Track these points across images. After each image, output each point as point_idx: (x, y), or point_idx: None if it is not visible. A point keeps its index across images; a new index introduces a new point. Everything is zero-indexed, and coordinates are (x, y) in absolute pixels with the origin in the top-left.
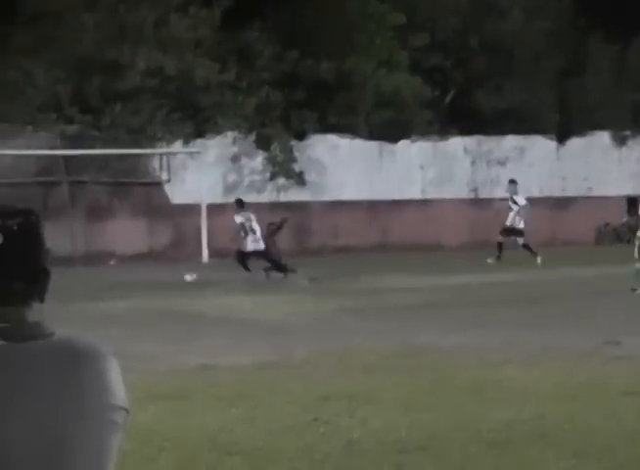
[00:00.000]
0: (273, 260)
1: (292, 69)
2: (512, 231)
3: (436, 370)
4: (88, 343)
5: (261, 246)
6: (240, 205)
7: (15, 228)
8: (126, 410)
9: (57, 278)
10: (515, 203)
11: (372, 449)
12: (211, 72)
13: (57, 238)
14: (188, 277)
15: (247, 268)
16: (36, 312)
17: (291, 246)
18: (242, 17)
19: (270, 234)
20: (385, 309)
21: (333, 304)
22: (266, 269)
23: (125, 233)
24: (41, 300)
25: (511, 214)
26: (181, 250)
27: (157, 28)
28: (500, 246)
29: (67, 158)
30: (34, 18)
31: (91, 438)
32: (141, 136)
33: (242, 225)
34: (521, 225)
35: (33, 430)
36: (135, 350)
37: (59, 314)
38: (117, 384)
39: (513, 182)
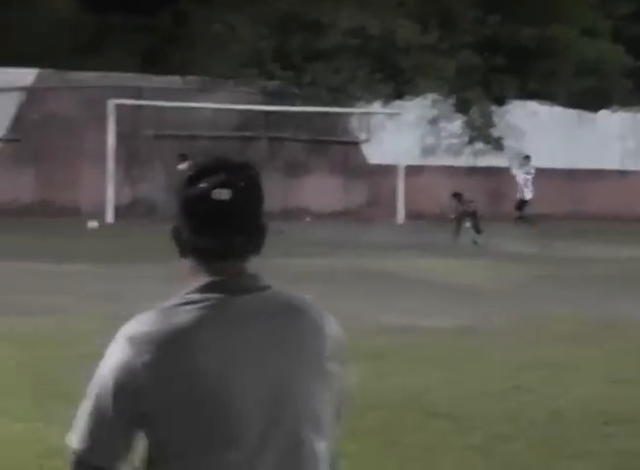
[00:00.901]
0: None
1: (493, 33)
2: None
3: (638, 342)
4: (302, 298)
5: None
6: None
7: (242, 184)
8: (340, 362)
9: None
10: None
11: (577, 419)
12: (413, 34)
13: None
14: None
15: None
16: (253, 266)
17: (486, 211)
18: None
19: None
20: (583, 279)
21: (530, 270)
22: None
23: (322, 191)
24: (258, 253)
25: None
26: (376, 210)
27: None
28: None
29: (266, 113)
30: None
31: (309, 385)
32: (341, 95)
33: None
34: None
35: (256, 377)
36: (337, 307)
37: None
38: (333, 337)
39: (527, 158)
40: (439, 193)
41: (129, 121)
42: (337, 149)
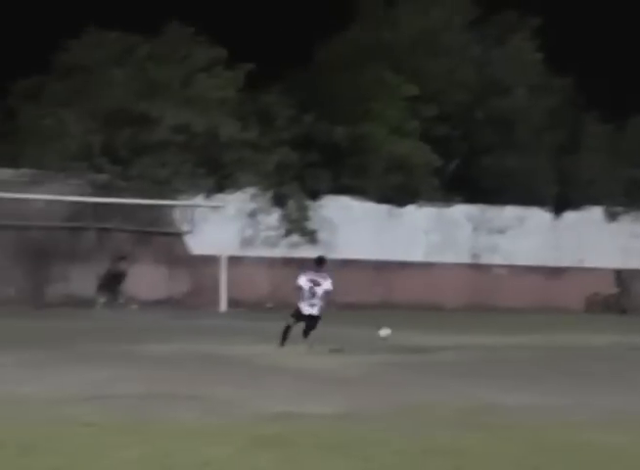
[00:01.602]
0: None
1: (308, 131)
2: None
3: (521, 429)
4: None
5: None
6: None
7: None
8: None
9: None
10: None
11: None
12: (235, 131)
13: (82, 281)
14: (382, 332)
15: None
16: None
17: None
18: (263, 80)
19: None
20: (428, 365)
21: (379, 358)
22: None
23: (147, 279)
24: None
25: None
26: (199, 298)
27: (184, 86)
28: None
29: (95, 205)
30: (68, 70)
31: None
32: (166, 188)
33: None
34: None
35: None
36: (208, 393)
37: (110, 354)
38: None
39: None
40: (258, 282)
41: None
42: (161, 240)
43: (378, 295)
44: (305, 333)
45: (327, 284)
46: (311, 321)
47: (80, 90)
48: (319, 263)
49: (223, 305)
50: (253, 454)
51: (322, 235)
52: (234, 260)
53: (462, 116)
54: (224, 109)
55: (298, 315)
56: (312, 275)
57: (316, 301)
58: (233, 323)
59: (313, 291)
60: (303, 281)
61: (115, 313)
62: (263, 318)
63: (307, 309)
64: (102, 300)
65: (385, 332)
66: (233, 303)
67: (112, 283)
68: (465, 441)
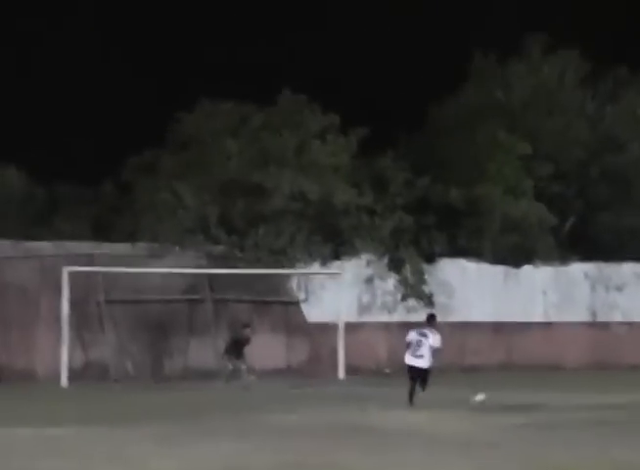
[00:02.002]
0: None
1: (423, 194)
2: None
3: None
4: None
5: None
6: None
7: None
8: None
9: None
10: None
11: None
12: (350, 197)
13: (201, 353)
14: (478, 397)
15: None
16: None
17: None
18: (376, 145)
19: None
20: (567, 424)
21: (509, 419)
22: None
23: (265, 349)
24: None
25: None
26: (317, 366)
27: (298, 154)
28: None
29: (212, 276)
30: (182, 144)
31: None
32: (281, 257)
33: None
34: None
35: None
36: (339, 462)
37: (237, 426)
38: None
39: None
40: (376, 348)
41: (82, 287)
42: (279, 308)
43: (498, 356)
44: (422, 387)
45: (436, 339)
46: (421, 374)
47: (195, 162)
48: (429, 320)
49: (341, 372)
50: None
51: (439, 298)
52: (351, 327)
53: (577, 173)
54: (338, 175)
55: (410, 372)
56: (421, 329)
57: (423, 351)
58: (353, 390)
59: (420, 343)
60: (412, 335)
61: (237, 384)
62: (383, 384)
63: (412, 360)
64: (229, 367)
65: (480, 397)
66: (351, 369)
67: (237, 350)
68: None
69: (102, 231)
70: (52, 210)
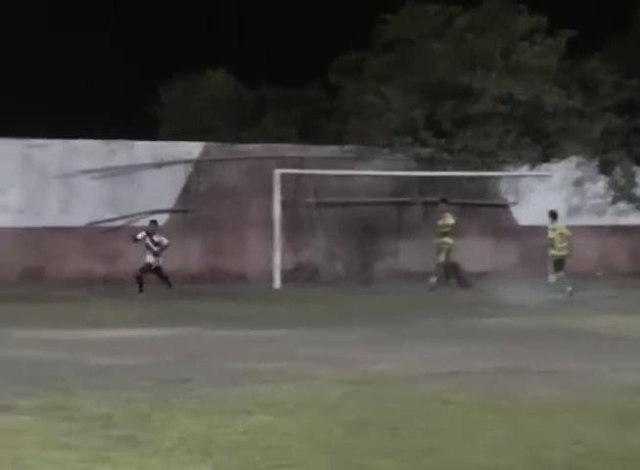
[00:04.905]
0: None
1: (632, 96)
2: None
3: None
4: None
5: None
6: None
7: None
8: None
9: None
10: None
11: None
12: (559, 99)
13: (410, 255)
14: None
15: None
16: None
17: (629, 268)
18: (584, 47)
19: None
20: None
21: None
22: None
23: (473, 252)
24: None
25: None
26: (526, 269)
27: (505, 56)
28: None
29: (420, 179)
30: (388, 45)
31: None
32: (490, 159)
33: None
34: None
35: None
36: (560, 367)
37: (449, 329)
38: None
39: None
40: (585, 252)
41: (291, 190)
42: (487, 211)
43: None
44: None
45: None
46: None
47: (400, 64)
48: None
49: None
50: (623, 431)
51: None
52: None
53: None
54: (546, 77)
55: None
56: None
57: None
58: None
59: None
60: None
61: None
62: (594, 288)
63: None
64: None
65: None
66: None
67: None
68: None
69: (308, 134)
70: (260, 113)
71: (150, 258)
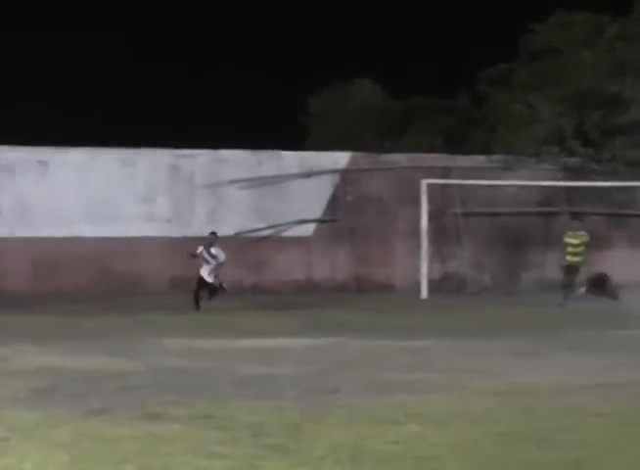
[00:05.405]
0: None
1: None
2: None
3: None
4: None
5: None
6: None
7: None
8: None
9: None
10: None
11: None
12: None
13: (557, 266)
14: None
15: None
16: None
17: None
18: None
19: None
20: None
21: None
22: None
23: (622, 263)
24: None
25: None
26: None
27: None
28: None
29: (567, 189)
30: (536, 54)
31: None
32: (639, 169)
33: None
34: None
35: None
36: None
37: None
38: None
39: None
40: None
41: (438, 200)
42: (637, 222)
43: None
44: None
45: None
46: None
47: (549, 73)
48: None
49: None
50: None
51: None
52: None
53: None
54: None
55: None
56: None
57: None
58: None
59: None
60: None
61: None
62: None
63: None
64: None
65: None
66: None
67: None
68: None
69: (455, 143)
70: (406, 122)
71: (204, 272)
